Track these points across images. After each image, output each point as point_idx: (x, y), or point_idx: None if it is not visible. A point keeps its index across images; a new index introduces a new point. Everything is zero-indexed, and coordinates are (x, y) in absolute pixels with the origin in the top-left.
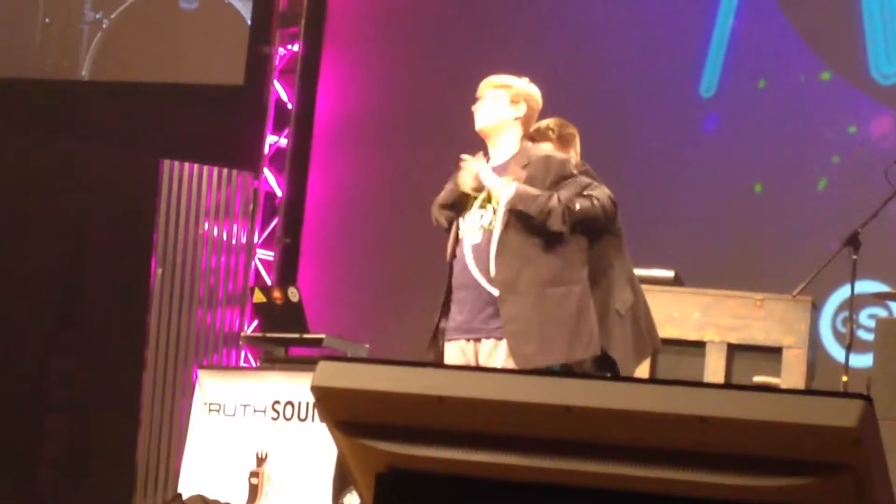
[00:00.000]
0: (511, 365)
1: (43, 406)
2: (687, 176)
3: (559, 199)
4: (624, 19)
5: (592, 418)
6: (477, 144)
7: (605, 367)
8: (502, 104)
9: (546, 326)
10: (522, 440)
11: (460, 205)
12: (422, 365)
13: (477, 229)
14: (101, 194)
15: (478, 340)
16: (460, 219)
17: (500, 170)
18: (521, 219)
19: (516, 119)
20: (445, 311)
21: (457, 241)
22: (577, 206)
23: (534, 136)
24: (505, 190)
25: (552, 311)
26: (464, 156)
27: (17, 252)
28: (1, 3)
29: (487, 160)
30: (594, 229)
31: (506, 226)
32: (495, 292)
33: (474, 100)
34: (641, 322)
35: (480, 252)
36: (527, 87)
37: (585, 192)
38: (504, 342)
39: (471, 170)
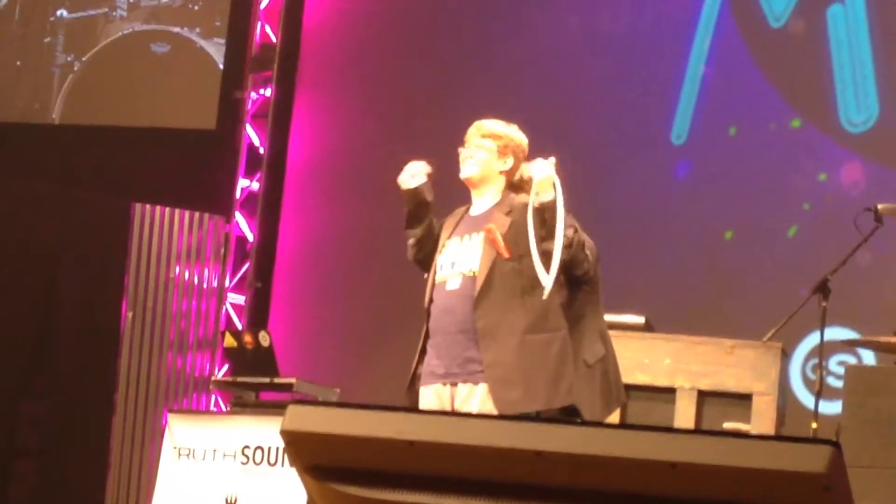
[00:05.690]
0: (488, 409)
1: (12, 450)
2: (658, 222)
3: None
4: (595, 66)
5: (563, 463)
6: (451, 187)
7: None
8: (490, 156)
9: (529, 372)
10: (492, 485)
11: (420, 215)
12: (392, 409)
13: (456, 275)
14: (72, 238)
15: (454, 385)
16: (438, 263)
17: (483, 217)
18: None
19: (501, 173)
20: (423, 356)
21: (434, 285)
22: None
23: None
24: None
25: (535, 358)
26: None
27: None
28: None
29: (469, 207)
30: (578, 280)
31: (487, 272)
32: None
33: (448, 144)
34: (610, 375)
35: (459, 298)
36: (516, 139)
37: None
38: (480, 386)
39: (412, 168)
